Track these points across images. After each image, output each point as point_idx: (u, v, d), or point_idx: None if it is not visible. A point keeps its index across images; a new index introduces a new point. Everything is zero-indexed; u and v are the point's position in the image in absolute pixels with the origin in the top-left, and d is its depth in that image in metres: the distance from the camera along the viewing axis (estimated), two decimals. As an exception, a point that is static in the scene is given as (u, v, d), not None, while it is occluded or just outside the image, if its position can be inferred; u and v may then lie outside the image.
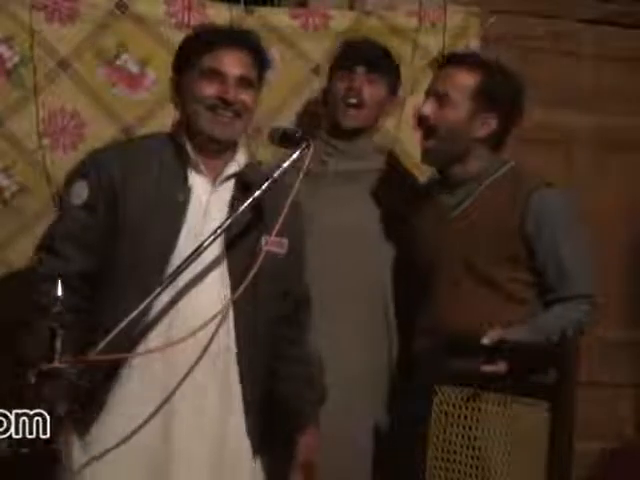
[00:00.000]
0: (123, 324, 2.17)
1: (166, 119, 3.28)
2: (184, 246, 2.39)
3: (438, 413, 2.57)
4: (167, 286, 2.29)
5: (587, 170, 4.02)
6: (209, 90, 2.47)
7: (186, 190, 2.46)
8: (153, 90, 3.30)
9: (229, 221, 2.35)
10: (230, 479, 2.46)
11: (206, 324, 2.36)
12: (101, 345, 2.15)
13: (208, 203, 2.46)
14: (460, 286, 2.74)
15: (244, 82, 2.48)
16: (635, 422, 4.10)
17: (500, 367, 2.51)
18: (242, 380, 2.45)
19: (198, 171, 2.50)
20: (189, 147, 2.50)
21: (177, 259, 2.37)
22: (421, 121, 2.81)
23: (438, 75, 2.84)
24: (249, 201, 2.37)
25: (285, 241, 2.52)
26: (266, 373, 2.53)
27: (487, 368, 2.52)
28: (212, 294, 2.42)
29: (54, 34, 3.21)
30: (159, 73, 3.30)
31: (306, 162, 2.40)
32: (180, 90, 2.56)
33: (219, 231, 2.33)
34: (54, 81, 3.23)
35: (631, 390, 4.08)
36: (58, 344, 2.07)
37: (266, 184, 2.39)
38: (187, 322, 2.37)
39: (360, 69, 3.05)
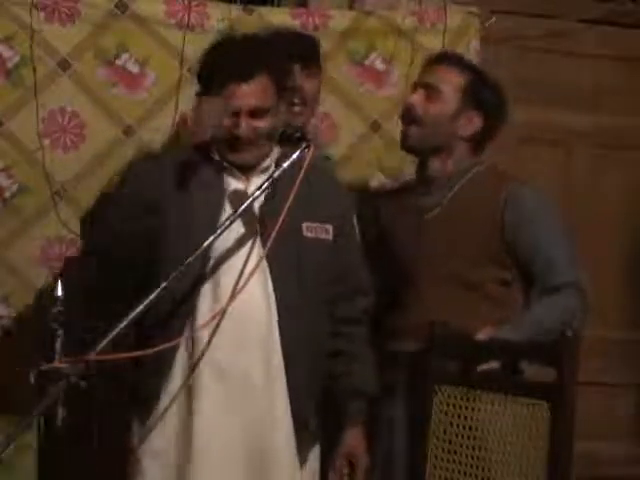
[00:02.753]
0: (123, 324, 2.18)
1: (166, 119, 3.30)
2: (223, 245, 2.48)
3: (438, 413, 2.57)
4: (171, 283, 2.30)
5: (587, 170, 4.02)
6: (226, 123, 2.48)
7: (223, 195, 2.52)
8: (153, 90, 3.30)
9: (229, 223, 2.38)
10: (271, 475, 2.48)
11: (207, 323, 2.42)
12: (101, 345, 2.15)
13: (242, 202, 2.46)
14: (439, 286, 2.76)
15: (259, 112, 2.49)
16: (635, 422, 4.10)
17: (493, 365, 2.53)
18: (287, 368, 2.49)
19: (232, 174, 2.54)
20: (217, 156, 2.54)
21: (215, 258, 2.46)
22: (407, 110, 2.86)
23: (428, 69, 2.90)
24: (248, 201, 2.39)
25: (329, 227, 2.57)
26: (315, 363, 2.56)
27: (481, 367, 2.54)
28: (254, 286, 2.47)
29: (54, 34, 3.21)
30: (159, 73, 3.30)
31: (307, 161, 2.42)
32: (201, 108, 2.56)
33: (219, 232, 2.36)
34: (54, 81, 3.23)
35: (631, 390, 4.08)
36: (58, 344, 2.07)
37: (266, 184, 2.41)
38: (233, 312, 2.44)
39: (296, 67, 2.99)
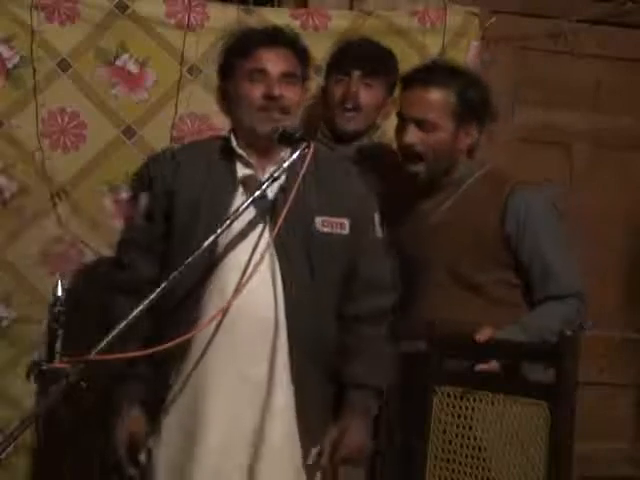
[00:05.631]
0: (123, 324, 2.17)
1: (166, 119, 3.30)
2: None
3: (438, 413, 2.57)
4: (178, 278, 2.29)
5: (587, 170, 4.02)
6: (256, 92, 2.50)
7: (235, 183, 2.53)
8: (153, 90, 3.30)
9: (233, 218, 2.36)
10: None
11: (212, 319, 2.42)
12: (101, 345, 2.15)
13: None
14: (443, 289, 2.75)
15: (288, 78, 2.51)
16: (635, 422, 4.10)
17: (493, 366, 2.53)
18: (292, 364, 2.48)
19: (247, 165, 2.55)
20: (236, 143, 2.55)
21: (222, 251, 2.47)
22: (406, 149, 2.78)
23: (409, 98, 2.79)
24: (249, 201, 2.38)
25: (345, 221, 2.55)
26: (324, 358, 2.54)
27: (480, 367, 2.54)
28: (261, 282, 2.46)
29: (54, 34, 3.22)
30: (159, 73, 3.31)
31: (306, 161, 2.41)
32: (227, 96, 2.59)
33: (224, 227, 2.34)
34: (54, 81, 3.23)
35: (631, 390, 4.08)
36: (58, 344, 2.07)
37: (266, 183, 2.40)
38: (239, 304, 2.42)
39: (356, 73, 3.04)
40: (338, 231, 2.55)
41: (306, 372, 2.50)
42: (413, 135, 2.76)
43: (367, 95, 3.05)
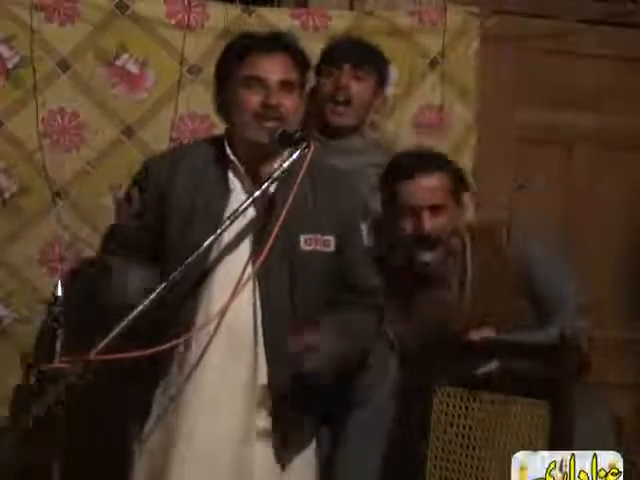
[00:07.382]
0: (124, 323, 2.18)
1: (166, 119, 3.31)
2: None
3: (438, 413, 2.58)
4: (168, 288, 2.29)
5: (587, 170, 4.02)
6: (253, 99, 2.47)
7: (227, 192, 2.50)
8: (153, 90, 3.31)
9: (228, 223, 2.36)
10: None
11: (199, 329, 2.44)
12: (101, 345, 2.15)
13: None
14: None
15: (286, 86, 2.48)
16: (635, 422, 4.10)
17: (492, 366, 2.54)
18: (270, 373, 2.46)
19: (239, 174, 2.52)
20: (229, 149, 2.52)
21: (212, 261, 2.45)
22: (424, 237, 2.74)
23: (413, 188, 2.74)
24: (247, 203, 2.38)
25: (330, 238, 2.53)
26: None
27: (481, 370, 2.54)
28: (244, 291, 2.45)
29: (54, 34, 3.22)
30: (159, 73, 3.31)
31: (306, 162, 2.40)
32: (223, 102, 2.56)
33: (223, 227, 2.35)
34: (54, 81, 3.23)
35: (631, 390, 4.08)
36: (58, 344, 2.07)
37: (265, 185, 2.40)
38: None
39: (347, 66, 3.07)
40: (322, 249, 2.52)
41: (284, 381, 2.46)
42: (430, 222, 2.73)
43: (358, 88, 3.08)
